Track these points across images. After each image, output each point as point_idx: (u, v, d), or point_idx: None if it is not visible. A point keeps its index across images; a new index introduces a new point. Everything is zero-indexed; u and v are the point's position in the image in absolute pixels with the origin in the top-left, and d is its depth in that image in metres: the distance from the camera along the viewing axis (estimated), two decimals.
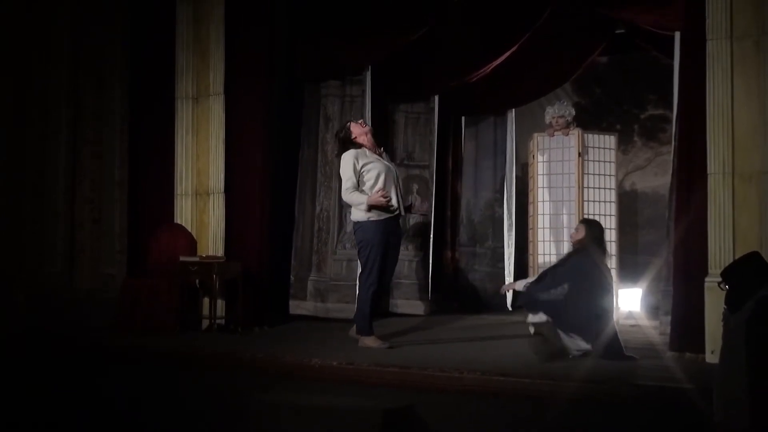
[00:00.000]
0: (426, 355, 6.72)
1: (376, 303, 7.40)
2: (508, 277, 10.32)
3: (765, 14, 6.37)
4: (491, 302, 10.29)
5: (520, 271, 10.11)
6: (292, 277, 9.32)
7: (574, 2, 8.40)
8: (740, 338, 4.40)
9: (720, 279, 4.74)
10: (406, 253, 9.31)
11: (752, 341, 4.32)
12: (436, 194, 9.90)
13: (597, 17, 8.63)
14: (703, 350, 6.31)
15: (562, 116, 8.92)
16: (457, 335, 8.14)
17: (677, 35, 7.33)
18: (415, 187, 9.60)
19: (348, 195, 7.18)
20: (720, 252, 6.33)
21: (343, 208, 9.15)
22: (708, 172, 6.46)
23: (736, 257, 5.65)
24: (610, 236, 8.84)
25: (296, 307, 9.24)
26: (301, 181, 9.48)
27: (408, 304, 9.45)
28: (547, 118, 9.06)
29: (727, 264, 5.38)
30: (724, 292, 4.67)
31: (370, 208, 7.08)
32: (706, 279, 6.31)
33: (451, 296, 10.53)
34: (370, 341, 7.13)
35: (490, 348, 7.30)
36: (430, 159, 9.76)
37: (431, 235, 9.60)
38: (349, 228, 9.09)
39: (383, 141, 9.36)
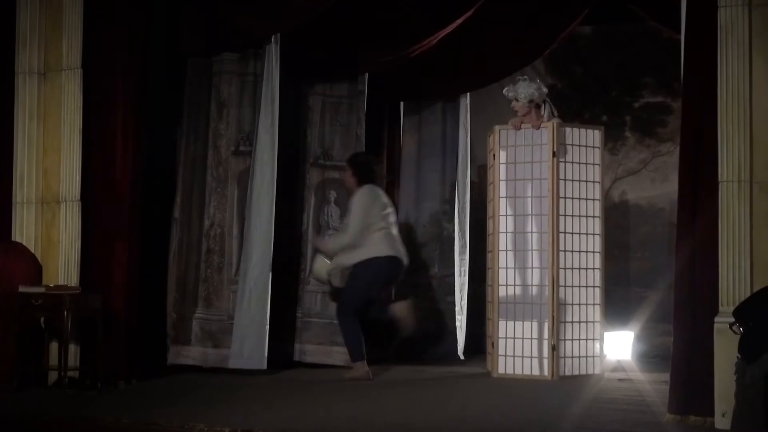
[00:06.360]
0: (344, 421, 6.69)
1: None
2: (459, 315, 10.32)
3: None
4: (435, 348, 10.29)
5: (475, 307, 10.11)
6: (173, 315, 9.21)
7: None
8: (758, 395, 4.40)
9: (733, 320, 4.75)
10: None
11: None
12: None
13: None
14: (711, 412, 6.31)
15: (530, 99, 8.87)
16: (387, 393, 8.11)
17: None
18: (333, 195, 9.52)
19: None
20: (733, 284, 6.35)
21: (246, 221, 9.07)
22: (719, 179, 6.49)
23: (754, 291, 5.67)
24: (594, 262, 8.87)
25: (177, 354, 9.14)
26: (183, 186, 9.37)
27: (321, 350, 9.39)
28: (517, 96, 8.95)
29: (741, 300, 5.39)
30: (738, 337, 4.68)
31: None
32: (716, 319, 6.31)
33: (382, 340, 10.45)
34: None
35: (431, 410, 7.24)
36: None
37: None
38: None
39: (293, 132, 9.32)
